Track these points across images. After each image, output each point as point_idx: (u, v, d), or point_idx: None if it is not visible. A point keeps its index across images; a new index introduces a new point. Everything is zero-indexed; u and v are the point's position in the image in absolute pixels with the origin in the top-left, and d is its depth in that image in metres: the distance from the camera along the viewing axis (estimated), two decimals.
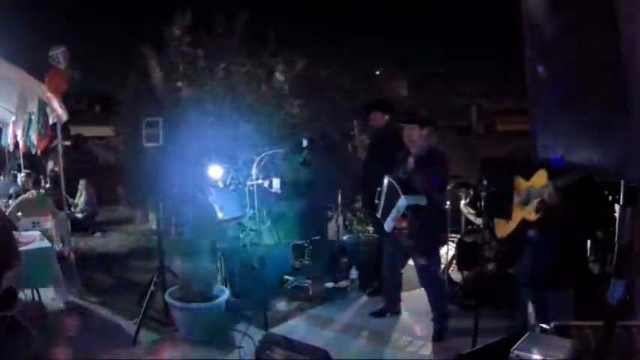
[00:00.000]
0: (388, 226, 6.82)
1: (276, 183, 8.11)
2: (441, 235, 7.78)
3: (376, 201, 7.19)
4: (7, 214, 9.49)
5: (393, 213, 6.70)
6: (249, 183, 7.48)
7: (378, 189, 7.12)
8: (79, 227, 12.92)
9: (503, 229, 6.52)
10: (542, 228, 5.88)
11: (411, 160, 6.82)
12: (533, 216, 5.87)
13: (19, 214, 9.36)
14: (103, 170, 17.46)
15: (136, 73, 10.62)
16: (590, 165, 3.54)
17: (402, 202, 6.57)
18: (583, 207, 5.78)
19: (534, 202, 5.86)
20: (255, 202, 7.42)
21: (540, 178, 5.85)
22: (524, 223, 6.07)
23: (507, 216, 6.24)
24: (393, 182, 6.80)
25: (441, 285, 7.35)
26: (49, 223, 9.17)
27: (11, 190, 11.92)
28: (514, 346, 3.65)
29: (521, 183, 6.17)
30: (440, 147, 7.36)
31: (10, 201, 11.01)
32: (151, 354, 6.54)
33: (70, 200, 13.16)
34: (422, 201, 6.53)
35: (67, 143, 14.37)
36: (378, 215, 7.17)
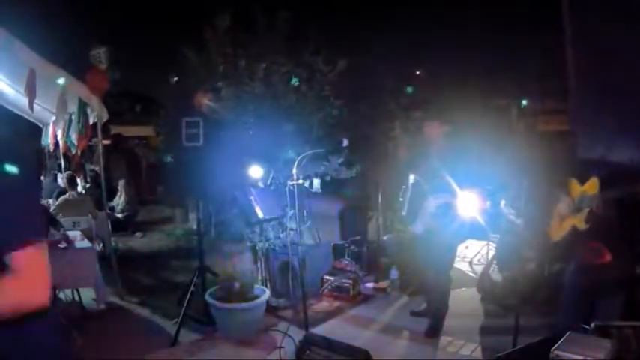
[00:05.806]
0: (417, 228, 6.74)
1: (317, 183, 8.09)
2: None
3: (400, 199, 7.13)
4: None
5: (421, 215, 6.62)
6: (289, 183, 7.45)
7: (403, 187, 7.05)
8: (120, 227, 13.03)
9: (557, 232, 6.42)
10: (592, 235, 5.78)
11: (432, 159, 6.74)
12: (583, 226, 5.77)
13: (60, 215, 9.47)
14: (143, 170, 17.59)
15: (176, 74, 10.67)
16: (631, 164, 3.47)
17: (430, 202, 6.50)
18: (632, 218, 5.67)
19: (585, 212, 5.75)
20: (296, 202, 7.40)
21: (593, 186, 5.74)
22: (574, 230, 5.97)
23: (548, 218, 6.14)
24: (419, 181, 6.73)
25: (448, 283, 7.26)
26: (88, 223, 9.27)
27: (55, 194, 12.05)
28: (554, 346, 3.60)
29: (575, 186, 6.04)
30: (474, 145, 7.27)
31: (50, 201, 11.12)
32: (191, 354, 6.54)
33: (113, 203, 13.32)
34: (449, 198, 6.44)
35: (107, 142, 14.44)
36: (404, 214, 7.10)
